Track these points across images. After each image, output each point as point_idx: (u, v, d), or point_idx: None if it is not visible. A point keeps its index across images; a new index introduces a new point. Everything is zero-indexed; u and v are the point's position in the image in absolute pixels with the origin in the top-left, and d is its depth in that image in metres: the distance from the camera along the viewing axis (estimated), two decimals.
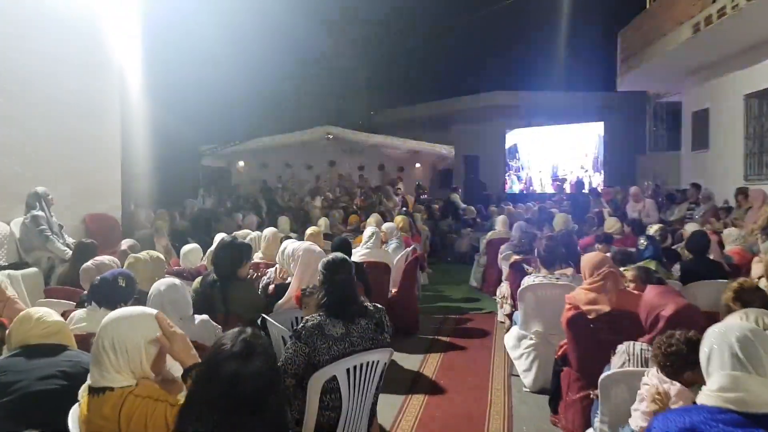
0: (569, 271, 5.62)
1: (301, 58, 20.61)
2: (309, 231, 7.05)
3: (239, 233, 8.64)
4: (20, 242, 6.66)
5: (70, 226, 7.64)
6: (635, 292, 4.78)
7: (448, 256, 13.70)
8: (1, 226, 6.74)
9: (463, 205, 15.16)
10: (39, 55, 7.73)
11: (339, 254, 3.56)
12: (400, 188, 20.08)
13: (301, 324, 3.24)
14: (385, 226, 8.03)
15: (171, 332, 2.30)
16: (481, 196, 19.54)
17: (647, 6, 12.64)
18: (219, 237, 7.14)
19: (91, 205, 8.33)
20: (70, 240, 6.92)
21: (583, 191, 13.89)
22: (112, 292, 3.72)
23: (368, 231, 7.16)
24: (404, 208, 13.30)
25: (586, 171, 18.82)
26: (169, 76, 16.04)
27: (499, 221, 9.90)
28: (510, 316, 7.30)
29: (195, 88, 16.31)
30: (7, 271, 6.13)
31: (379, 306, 3.42)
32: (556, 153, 19.41)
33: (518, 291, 5.57)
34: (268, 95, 21.48)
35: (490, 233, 9.91)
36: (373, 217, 9.16)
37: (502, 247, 8.32)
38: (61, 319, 3.06)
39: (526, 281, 5.54)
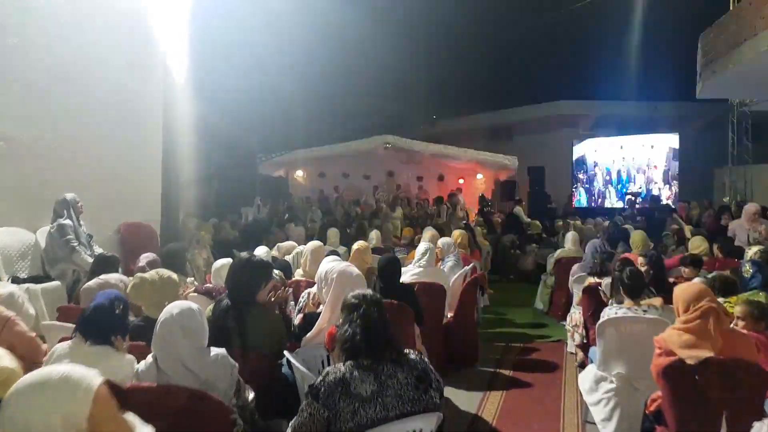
0: (657, 301, 4.67)
1: (361, 64, 19.96)
2: (356, 246, 6.30)
3: (283, 245, 8.01)
4: (45, 253, 6.13)
5: (103, 236, 7.11)
6: (745, 332, 3.86)
7: (510, 274, 12.72)
8: (26, 235, 6.23)
9: (527, 219, 14.16)
10: (77, 50, 7.24)
11: (368, 292, 2.74)
12: (459, 200, 19.30)
13: (321, 377, 2.46)
14: (441, 241, 7.18)
15: (112, 416, 1.55)
16: (546, 210, 18.44)
17: (731, 7, 11.43)
18: (259, 251, 6.52)
19: (128, 213, 7.78)
20: (99, 251, 6.35)
21: (661, 205, 12.66)
22: (104, 323, 3.04)
23: (421, 247, 6.32)
24: (464, 221, 12.41)
25: (656, 183, 17.48)
26: (225, 81, 15.69)
27: (569, 239, 8.90)
28: (582, 347, 6.36)
29: (252, 94, 15.87)
30: (26, 285, 5.60)
31: (421, 356, 2.60)
32: (626, 165, 18.12)
33: (597, 325, 4.64)
34: (326, 102, 20.99)
35: (559, 251, 8.92)
36: (428, 231, 8.35)
37: (574, 267, 7.37)
38: (11, 365, 2.38)
39: (607, 313, 4.61)
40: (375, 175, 21.21)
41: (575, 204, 19.42)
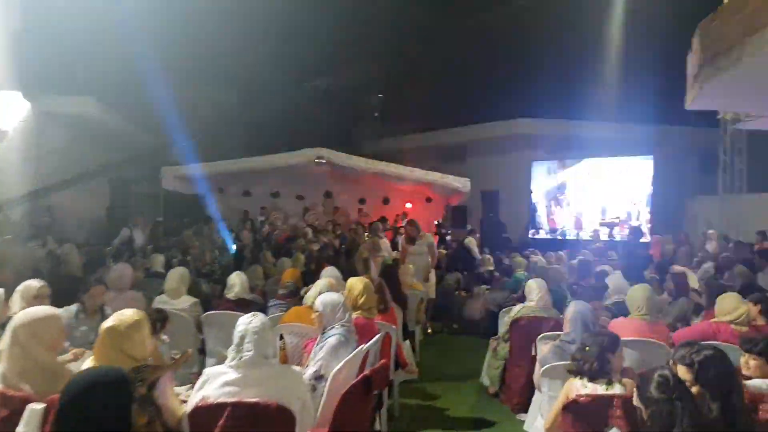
0: None
1: (297, 71, 17.00)
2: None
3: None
4: None
5: None
6: None
7: (454, 323, 9.75)
8: None
9: (479, 256, 11.26)
10: None
11: None
12: (403, 226, 16.32)
13: None
14: (321, 300, 4.10)
15: None
16: (500, 241, 15.61)
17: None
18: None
19: None
20: None
21: (642, 240, 9.81)
22: None
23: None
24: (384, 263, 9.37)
25: (629, 213, 14.87)
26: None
27: (534, 289, 5.94)
28: None
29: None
30: None
31: None
32: (593, 191, 15.40)
33: None
34: (257, 112, 18.01)
35: (517, 309, 5.93)
36: (323, 281, 5.27)
37: (544, 351, 4.42)
38: None
39: None
40: (310, 196, 18.19)
41: (534, 234, 16.62)
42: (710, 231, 11.90)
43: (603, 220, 13.59)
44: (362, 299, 4.70)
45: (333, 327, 3.99)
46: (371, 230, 10.80)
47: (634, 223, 13.17)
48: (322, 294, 4.13)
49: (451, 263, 10.58)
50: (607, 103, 17.06)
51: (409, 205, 17.84)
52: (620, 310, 5.85)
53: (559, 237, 16.14)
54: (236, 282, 5.67)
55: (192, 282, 6.45)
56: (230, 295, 5.66)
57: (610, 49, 17.09)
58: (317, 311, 4.00)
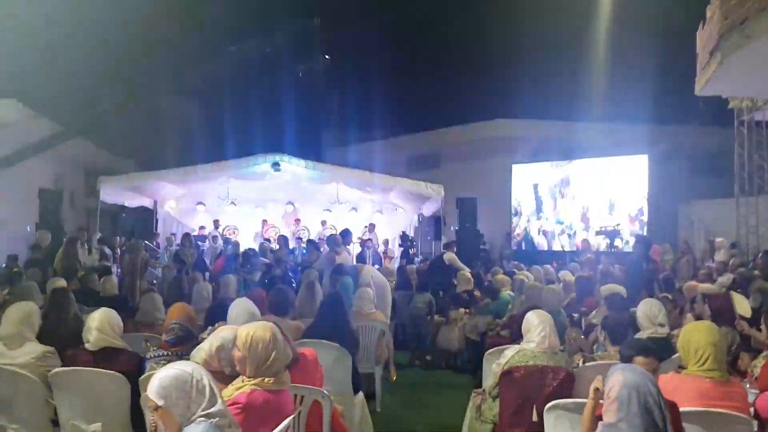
0: None
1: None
2: None
3: None
4: None
5: None
6: None
7: (426, 355, 7.89)
8: None
9: (463, 268, 9.39)
10: None
11: None
12: (370, 239, 14.48)
13: None
14: (159, 382, 2.19)
15: None
16: (479, 253, 13.81)
17: None
18: None
19: None
20: None
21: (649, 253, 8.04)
22: None
23: None
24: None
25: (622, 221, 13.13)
26: None
27: (535, 323, 4.08)
28: None
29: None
30: None
31: None
32: (582, 196, 13.62)
33: None
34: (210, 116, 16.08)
35: (510, 355, 4.05)
36: (226, 329, 3.35)
37: None
38: None
39: None
40: (271, 206, 16.30)
41: (516, 245, 14.83)
42: (718, 239, 10.27)
43: (602, 227, 11.76)
44: (270, 361, 2.81)
45: (190, 425, 2.11)
46: (327, 243, 8.87)
47: (625, 229, 11.33)
48: (168, 369, 2.21)
49: (424, 282, 8.69)
50: (593, 102, 15.49)
51: (378, 215, 16.07)
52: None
53: (539, 249, 14.40)
54: (93, 324, 3.75)
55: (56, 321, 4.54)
56: (88, 343, 3.74)
57: (595, 44, 15.48)
58: (155, 405, 2.10)
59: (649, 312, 4.70)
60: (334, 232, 12.70)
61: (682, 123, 16.76)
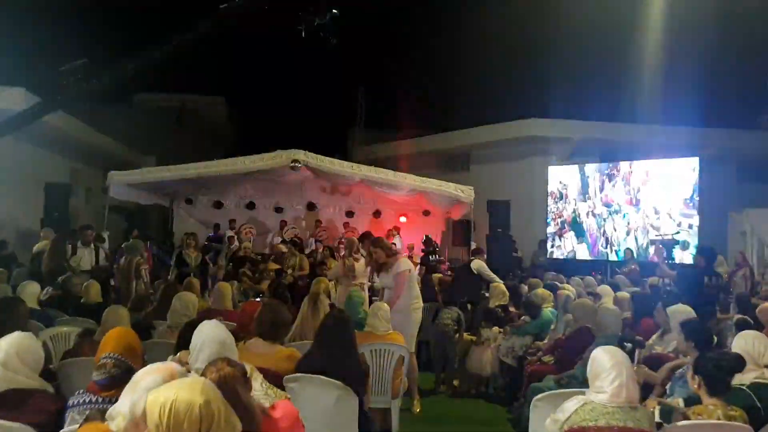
0: None
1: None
2: None
3: None
4: None
5: None
6: None
7: (453, 378, 6.73)
8: None
9: (494, 278, 8.19)
10: None
11: None
12: (394, 244, 13.28)
13: None
14: None
15: None
16: (511, 261, 12.59)
17: None
18: None
19: None
20: None
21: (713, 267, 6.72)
22: None
23: None
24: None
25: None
26: None
27: (606, 365, 2.89)
28: None
29: None
30: None
31: None
32: (623, 200, 12.25)
33: None
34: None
35: (573, 409, 2.88)
36: (161, 368, 2.26)
37: None
38: None
39: None
40: (291, 208, 15.29)
41: (553, 254, 13.49)
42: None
43: (658, 234, 10.34)
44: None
45: None
46: (346, 248, 7.74)
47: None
48: None
49: (452, 294, 7.48)
50: (637, 103, 14.17)
51: (403, 219, 14.94)
52: None
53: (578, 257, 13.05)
54: None
55: None
56: None
57: (641, 42, 14.17)
58: None
59: (752, 349, 3.49)
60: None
61: (731, 126, 15.37)
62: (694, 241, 10.60)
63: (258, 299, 6.54)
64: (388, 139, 18.96)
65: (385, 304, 5.21)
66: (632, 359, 3.92)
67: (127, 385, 2.19)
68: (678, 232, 10.13)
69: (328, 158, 12.23)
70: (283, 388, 3.64)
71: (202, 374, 2.46)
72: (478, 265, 8.43)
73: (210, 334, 3.10)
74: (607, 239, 12.55)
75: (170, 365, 2.35)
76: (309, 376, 3.69)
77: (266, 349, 3.90)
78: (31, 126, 11.43)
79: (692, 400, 3.50)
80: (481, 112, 16.39)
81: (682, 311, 4.73)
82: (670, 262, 7.57)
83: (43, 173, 13.39)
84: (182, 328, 4.32)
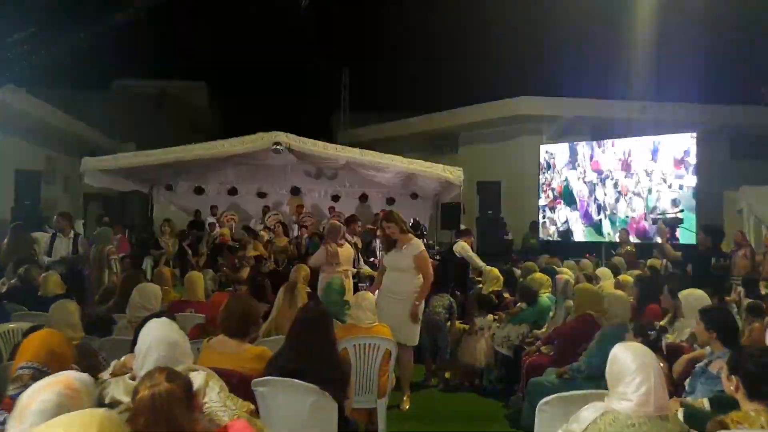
0: None
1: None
2: None
3: None
4: None
5: None
6: None
7: (445, 370, 6.26)
8: None
9: (480, 263, 7.71)
10: None
11: None
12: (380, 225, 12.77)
13: None
14: None
15: None
16: (502, 244, 12.16)
17: None
18: None
19: None
20: None
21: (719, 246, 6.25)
22: None
23: None
24: None
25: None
26: None
27: (629, 365, 2.40)
28: None
29: None
30: None
31: None
32: (619, 178, 11.80)
33: None
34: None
35: (593, 417, 2.38)
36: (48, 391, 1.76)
37: None
38: None
39: None
40: (274, 194, 14.70)
41: (545, 235, 13.03)
42: None
43: (660, 213, 9.83)
44: None
45: None
46: (328, 233, 7.18)
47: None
48: None
49: (439, 280, 6.99)
50: (629, 79, 13.68)
51: (392, 202, 14.41)
52: None
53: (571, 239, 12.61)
54: None
55: None
56: None
57: (630, 15, 13.62)
58: None
59: None
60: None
61: (724, 102, 14.94)
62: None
63: (230, 289, 6.00)
64: (373, 122, 18.38)
65: (370, 294, 4.69)
66: (657, 350, 3.45)
67: (14, 410, 1.67)
68: (682, 210, 9.64)
69: (311, 140, 11.67)
70: (251, 394, 3.15)
71: (135, 389, 1.95)
72: (460, 247, 7.89)
73: (157, 335, 2.57)
74: (599, 206, 12.13)
75: (67, 378, 1.83)
76: (280, 379, 3.18)
77: (233, 347, 3.39)
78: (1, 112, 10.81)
79: (718, 400, 3.05)
80: (468, 91, 15.83)
81: (698, 296, 4.25)
82: (673, 242, 7.08)
83: (13, 161, 12.76)
84: (138, 325, 3.80)
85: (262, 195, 14.46)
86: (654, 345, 3.44)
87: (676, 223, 8.40)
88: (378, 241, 10.51)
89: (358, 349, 4.25)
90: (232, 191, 14.36)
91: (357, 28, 15.36)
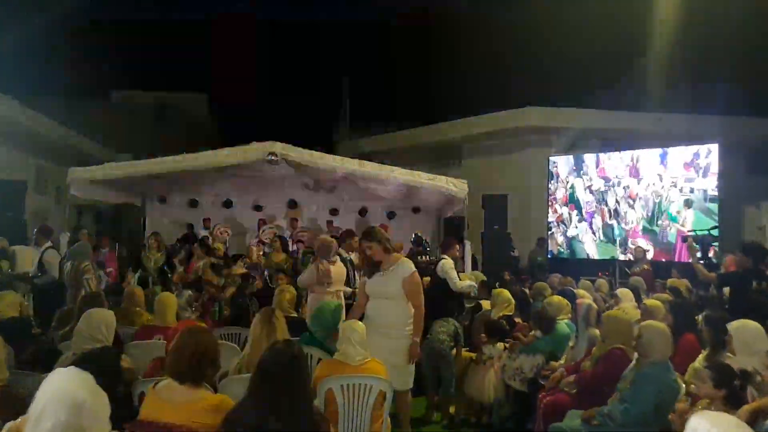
0: None
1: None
2: None
3: None
4: None
5: None
6: None
7: (449, 404, 5.50)
8: None
9: (467, 282, 6.38)
10: None
11: None
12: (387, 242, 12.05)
13: None
14: None
15: None
16: (508, 261, 11.46)
17: None
18: None
19: None
20: None
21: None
22: None
23: None
24: None
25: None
26: None
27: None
28: None
29: None
30: None
31: None
32: (636, 191, 11.11)
33: None
34: None
35: None
36: None
37: None
38: None
39: None
40: (271, 207, 14.00)
41: (555, 250, 12.28)
42: None
43: (691, 230, 9.03)
44: None
45: None
46: (320, 251, 6.40)
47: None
48: None
49: (442, 303, 6.19)
50: (641, 90, 13.04)
51: (393, 216, 13.68)
52: None
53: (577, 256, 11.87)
54: None
55: None
56: None
57: (643, 25, 13.03)
58: None
59: None
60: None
61: (743, 114, 14.23)
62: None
63: (191, 317, 5.27)
64: (374, 133, 17.73)
65: (361, 324, 3.93)
66: (742, 402, 2.70)
67: None
68: (716, 227, 8.88)
69: (307, 151, 10.98)
70: None
71: None
72: (444, 266, 6.03)
73: (57, 394, 1.84)
74: (610, 213, 11.46)
75: None
76: None
77: (183, 395, 2.66)
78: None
79: None
80: (472, 102, 15.18)
81: (752, 330, 3.51)
82: (704, 262, 6.34)
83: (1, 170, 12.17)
84: (78, 358, 3.11)
85: (258, 208, 13.79)
86: (738, 398, 2.71)
87: (708, 240, 7.62)
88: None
89: (347, 390, 3.52)
90: (227, 204, 13.68)
91: (358, 39, 14.77)
